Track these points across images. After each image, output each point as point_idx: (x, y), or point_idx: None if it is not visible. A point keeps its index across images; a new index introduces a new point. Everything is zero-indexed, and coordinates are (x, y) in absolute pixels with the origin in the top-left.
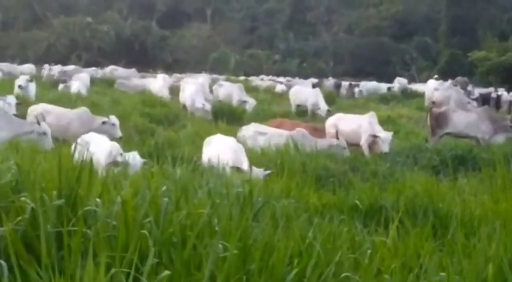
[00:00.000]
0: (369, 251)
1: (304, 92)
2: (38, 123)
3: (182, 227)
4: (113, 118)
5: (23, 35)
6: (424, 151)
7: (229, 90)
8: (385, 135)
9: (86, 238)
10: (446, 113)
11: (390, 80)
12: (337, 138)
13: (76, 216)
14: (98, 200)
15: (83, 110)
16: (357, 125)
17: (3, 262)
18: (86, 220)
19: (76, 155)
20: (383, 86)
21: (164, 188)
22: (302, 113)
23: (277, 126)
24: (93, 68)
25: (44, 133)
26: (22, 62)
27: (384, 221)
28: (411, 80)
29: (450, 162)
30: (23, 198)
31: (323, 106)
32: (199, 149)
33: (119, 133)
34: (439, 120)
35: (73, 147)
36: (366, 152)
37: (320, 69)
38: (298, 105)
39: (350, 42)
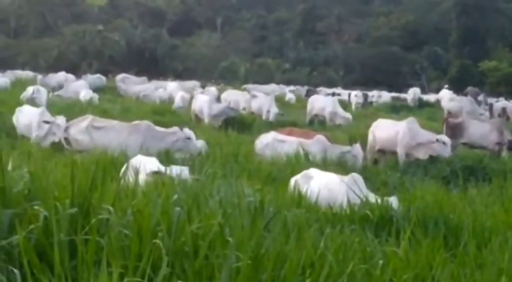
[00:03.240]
0: (381, 262)
1: (322, 101)
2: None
3: (194, 237)
4: (187, 131)
5: (34, 43)
6: (435, 161)
7: (262, 101)
8: (446, 139)
9: (99, 247)
10: (462, 124)
11: (400, 90)
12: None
13: (89, 224)
14: (110, 208)
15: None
16: (394, 132)
17: (16, 271)
18: (99, 228)
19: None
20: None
21: (175, 197)
22: (310, 122)
23: (288, 135)
24: (98, 75)
25: (188, 138)
26: (32, 69)
27: (395, 231)
28: (421, 90)
29: (461, 172)
30: (36, 206)
31: (343, 114)
32: (209, 157)
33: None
34: (455, 130)
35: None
36: (401, 159)
37: (330, 79)
38: (316, 115)
39: (360, 51)
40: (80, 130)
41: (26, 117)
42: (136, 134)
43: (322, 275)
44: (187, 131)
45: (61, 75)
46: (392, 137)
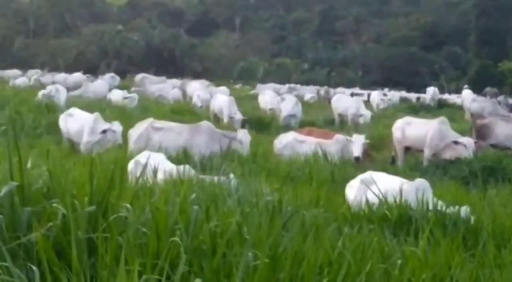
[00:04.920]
0: (399, 262)
1: (346, 101)
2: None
3: (212, 235)
4: (241, 134)
5: (53, 43)
6: (454, 161)
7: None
8: (468, 141)
9: (117, 245)
10: (488, 125)
11: (419, 90)
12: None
13: (107, 222)
14: (129, 206)
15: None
16: (425, 131)
17: (35, 268)
18: (117, 227)
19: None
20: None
21: (193, 195)
22: (329, 122)
23: (307, 135)
24: (112, 74)
25: (240, 141)
26: (52, 70)
27: (414, 231)
28: (441, 90)
29: (480, 173)
30: (54, 204)
31: (367, 114)
32: (227, 156)
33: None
34: (482, 132)
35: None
36: (426, 159)
37: (348, 79)
38: (340, 114)
39: (379, 51)
40: (140, 132)
41: (77, 122)
42: (201, 135)
43: (340, 275)
44: (241, 134)
45: (59, 77)
46: (421, 136)
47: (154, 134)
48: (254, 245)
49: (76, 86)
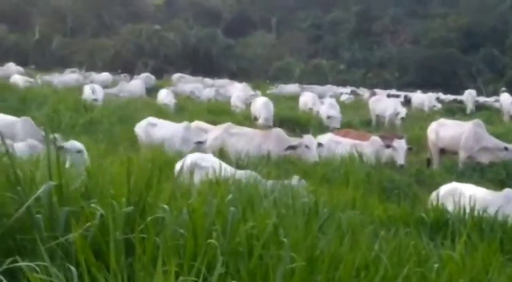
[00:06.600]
0: (436, 265)
1: (384, 102)
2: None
3: (249, 237)
4: (308, 139)
5: (91, 42)
6: (491, 164)
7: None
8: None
9: (154, 245)
10: None
11: (456, 92)
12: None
13: (144, 223)
14: (166, 207)
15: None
16: (459, 133)
17: (73, 268)
18: (154, 227)
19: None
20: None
21: (230, 196)
22: (366, 123)
23: (344, 137)
24: (147, 74)
25: (307, 146)
26: (89, 69)
27: (450, 234)
28: (478, 92)
29: None
30: (92, 204)
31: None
32: (263, 157)
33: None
34: None
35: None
36: (462, 162)
37: (385, 80)
38: (377, 115)
39: (416, 53)
40: (216, 136)
41: (163, 132)
42: (270, 141)
43: (377, 278)
44: (308, 139)
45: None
46: (456, 138)
47: (229, 138)
48: (291, 247)
49: (103, 85)
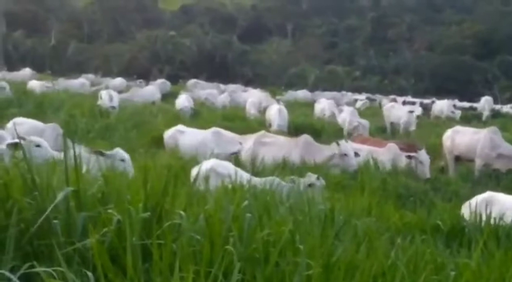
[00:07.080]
0: (453, 273)
1: (398, 110)
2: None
3: (265, 244)
4: (344, 147)
5: (107, 48)
6: (508, 172)
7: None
8: None
9: (171, 251)
10: None
11: (471, 99)
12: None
13: (161, 228)
14: (182, 213)
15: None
16: (475, 140)
17: (89, 273)
18: (171, 233)
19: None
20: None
21: (246, 203)
22: (382, 130)
23: (360, 143)
24: (163, 80)
25: (345, 155)
26: (105, 74)
27: (467, 242)
28: (493, 99)
29: None
30: (109, 210)
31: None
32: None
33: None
34: None
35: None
36: (478, 169)
37: (400, 87)
38: (392, 123)
39: (431, 59)
40: (248, 147)
41: (191, 139)
42: (296, 149)
43: None
44: (344, 147)
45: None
46: (472, 146)
47: (261, 148)
48: (307, 254)
49: (117, 90)
